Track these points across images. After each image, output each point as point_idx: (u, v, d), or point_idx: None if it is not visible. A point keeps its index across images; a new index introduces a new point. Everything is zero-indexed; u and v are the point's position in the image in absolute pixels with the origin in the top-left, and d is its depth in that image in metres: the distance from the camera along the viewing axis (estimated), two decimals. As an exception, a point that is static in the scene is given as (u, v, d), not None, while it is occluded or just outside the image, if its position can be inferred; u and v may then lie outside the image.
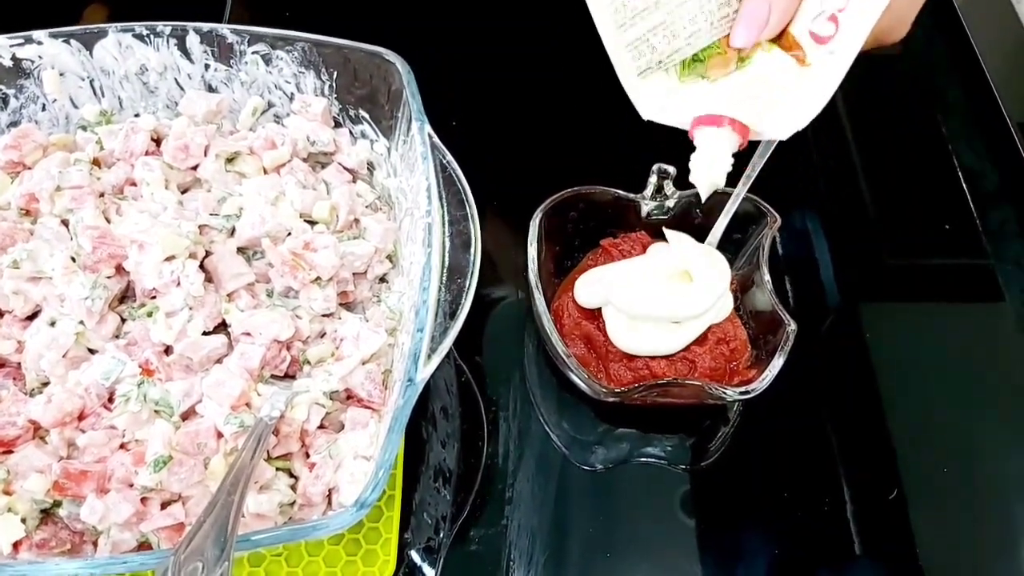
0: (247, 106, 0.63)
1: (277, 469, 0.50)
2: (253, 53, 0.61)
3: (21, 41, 0.58)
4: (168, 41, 0.60)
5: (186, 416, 0.50)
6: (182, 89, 0.63)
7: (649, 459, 0.60)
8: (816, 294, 0.69)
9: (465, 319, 0.48)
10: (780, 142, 0.51)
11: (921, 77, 0.85)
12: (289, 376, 0.54)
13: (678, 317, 0.57)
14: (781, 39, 0.48)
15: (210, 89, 0.63)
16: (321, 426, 0.52)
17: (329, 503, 0.50)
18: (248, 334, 0.53)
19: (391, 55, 0.57)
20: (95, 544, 0.48)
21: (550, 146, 0.77)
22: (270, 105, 0.64)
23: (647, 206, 0.62)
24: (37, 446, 0.49)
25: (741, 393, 0.53)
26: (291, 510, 0.50)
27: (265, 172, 0.61)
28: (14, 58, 0.59)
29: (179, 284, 0.52)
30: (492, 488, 0.59)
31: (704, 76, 0.50)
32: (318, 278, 0.55)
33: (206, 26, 0.60)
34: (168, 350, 0.52)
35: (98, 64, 0.60)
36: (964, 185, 0.76)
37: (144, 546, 0.48)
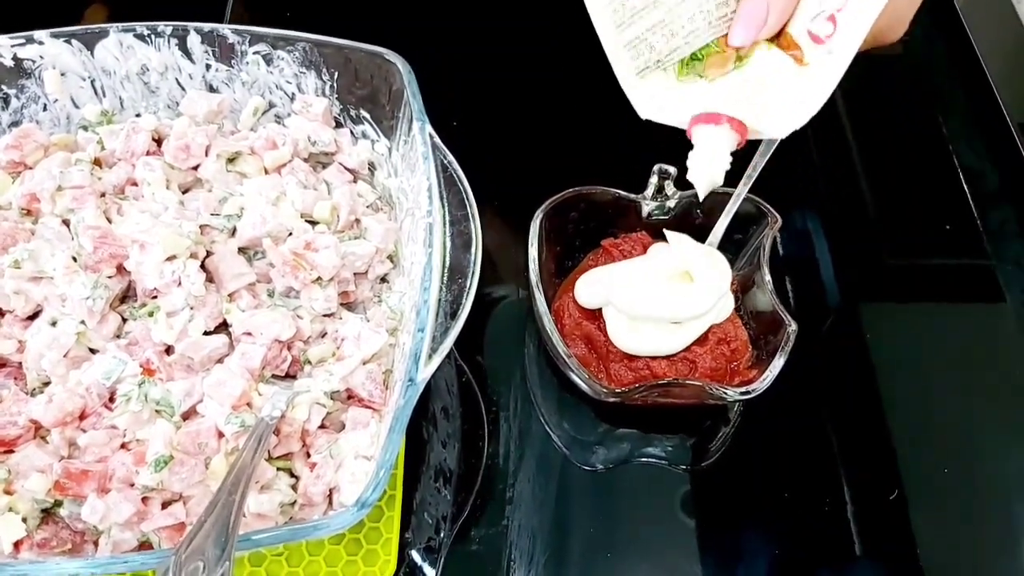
0: (248, 106, 0.63)
1: (278, 469, 0.50)
2: (254, 53, 0.61)
3: (22, 41, 0.58)
4: (169, 41, 0.60)
5: (187, 416, 0.50)
6: (183, 89, 0.63)
7: (650, 459, 0.61)
8: (817, 294, 0.69)
9: (466, 319, 0.48)
10: (780, 142, 0.51)
11: (921, 77, 0.85)
12: (290, 376, 0.55)
13: (679, 317, 0.57)
14: (779, 39, 0.48)
15: (211, 89, 0.63)
16: (322, 426, 0.52)
17: (330, 503, 0.50)
18: (249, 334, 0.53)
19: (392, 55, 0.57)
20: (96, 544, 0.48)
21: (551, 146, 0.77)
22: (271, 105, 0.64)
23: (648, 206, 0.62)
24: (38, 446, 0.49)
25: (742, 393, 0.53)
26: (292, 510, 0.50)
27: (266, 172, 0.61)
28: (15, 58, 0.59)
29: (180, 284, 0.52)
30: (493, 488, 0.59)
31: (702, 75, 0.50)
32: (319, 278, 0.55)
33: (207, 26, 0.60)
34: (169, 350, 0.52)
35: (99, 64, 0.60)
36: (964, 185, 0.76)
37: (145, 546, 0.48)
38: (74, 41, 0.59)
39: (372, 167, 0.63)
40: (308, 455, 0.51)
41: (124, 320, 0.54)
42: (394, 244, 0.60)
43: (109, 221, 0.56)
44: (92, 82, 0.61)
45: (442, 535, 0.57)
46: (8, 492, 0.47)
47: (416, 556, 0.56)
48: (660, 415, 0.62)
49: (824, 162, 0.78)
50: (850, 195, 0.76)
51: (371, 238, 0.59)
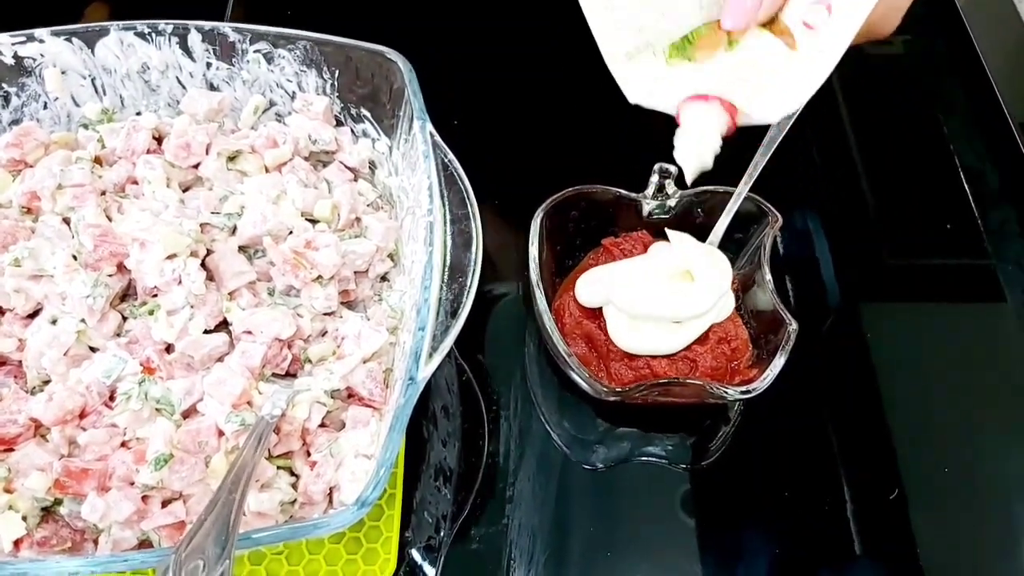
0: (249, 104, 0.63)
1: (278, 467, 0.50)
2: (255, 52, 0.61)
3: (23, 39, 0.58)
4: (170, 39, 0.60)
5: (187, 414, 0.50)
6: (184, 87, 0.63)
7: (650, 458, 0.61)
8: (817, 294, 0.69)
9: (466, 318, 0.48)
10: (781, 141, 0.51)
11: (922, 77, 0.85)
12: (290, 374, 0.55)
13: (679, 317, 0.57)
14: (772, 24, 0.47)
15: (212, 87, 0.63)
16: (322, 424, 0.52)
17: (330, 501, 0.50)
18: (249, 332, 0.53)
19: (393, 54, 0.57)
20: (96, 542, 0.48)
21: (551, 145, 0.77)
22: (272, 104, 0.64)
23: (648, 205, 0.62)
24: (38, 444, 0.49)
25: (742, 392, 0.53)
26: (292, 508, 0.50)
27: (267, 171, 0.61)
28: (16, 56, 0.59)
29: (180, 282, 0.52)
30: (493, 487, 0.59)
31: (692, 59, 0.49)
32: (319, 276, 0.55)
33: (208, 24, 0.60)
34: (169, 348, 0.52)
35: (100, 62, 0.60)
36: (965, 185, 0.76)
37: (145, 544, 0.48)
38: (75, 39, 0.59)
39: (373, 166, 0.63)
40: (308, 454, 0.51)
41: (124, 318, 0.54)
42: (395, 243, 0.60)
43: (109, 219, 0.56)
44: (93, 80, 0.61)
45: (442, 534, 0.57)
46: (8, 490, 0.47)
47: (416, 555, 0.56)
48: (660, 414, 0.62)
49: (824, 161, 0.78)
50: (850, 194, 0.76)
51: (372, 237, 0.59)
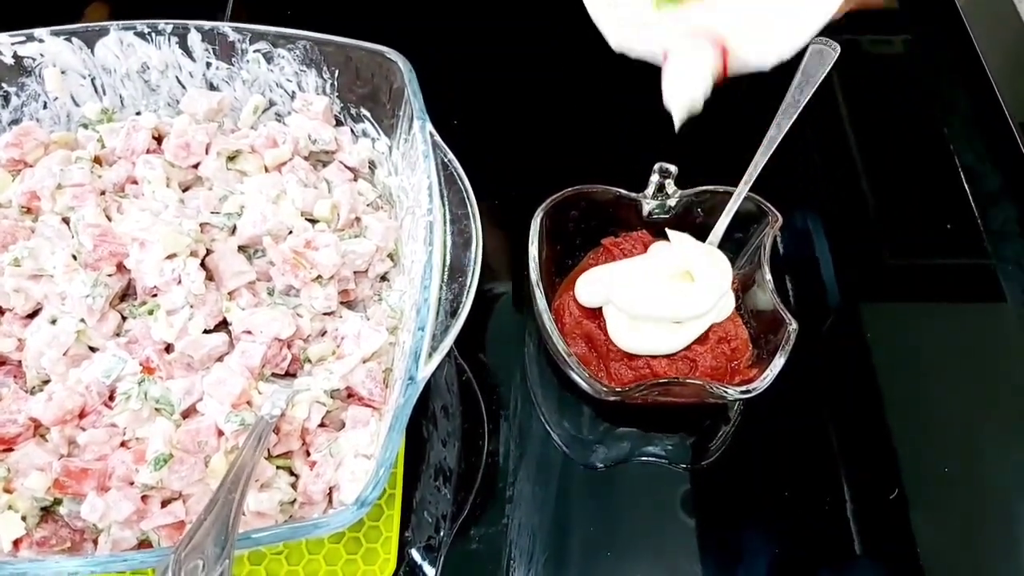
0: (248, 104, 0.63)
1: (278, 467, 0.50)
2: (255, 51, 0.61)
3: (23, 39, 0.58)
4: (169, 39, 0.60)
5: (187, 414, 0.50)
6: (183, 87, 0.63)
7: (650, 458, 0.60)
8: (817, 293, 0.69)
9: (466, 318, 0.48)
10: (781, 141, 0.51)
11: (922, 77, 0.85)
12: (290, 374, 0.54)
13: (679, 317, 0.57)
14: None
15: (211, 87, 0.63)
16: (322, 424, 0.52)
17: (330, 501, 0.50)
18: (249, 332, 0.53)
19: (393, 53, 0.57)
20: (95, 542, 0.48)
21: (551, 145, 0.77)
22: (271, 103, 0.64)
23: (648, 205, 0.62)
24: (38, 444, 0.49)
25: (742, 392, 0.53)
26: (292, 508, 0.50)
27: (266, 170, 0.61)
28: (16, 56, 0.59)
29: (180, 282, 0.52)
30: (493, 487, 0.59)
31: (680, 3, 0.47)
32: (319, 276, 0.55)
33: (207, 24, 0.60)
34: (169, 348, 0.52)
35: (99, 62, 0.60)
36: (965, 185, 0.76)
37: (144, 544, 0.48)
38: (74, 39, 0.59)
39: (372, 165, 0.63)
40: (308, 453, 0.51)
41: (124, 318, 0.54)
42: (394, 242, 0.60)
43: (109, 219, 0.56)
44: (92, 80, 0.61)
45: (442, 534, 0.57)
46: (8, 490, 0.47)
47: (416, 555, 0.56)
48: (660, 414, 0.62)
49: (824, 161, 0.78)
50: (850, 194, 0.76)
51: (371, 236, 0.59)
